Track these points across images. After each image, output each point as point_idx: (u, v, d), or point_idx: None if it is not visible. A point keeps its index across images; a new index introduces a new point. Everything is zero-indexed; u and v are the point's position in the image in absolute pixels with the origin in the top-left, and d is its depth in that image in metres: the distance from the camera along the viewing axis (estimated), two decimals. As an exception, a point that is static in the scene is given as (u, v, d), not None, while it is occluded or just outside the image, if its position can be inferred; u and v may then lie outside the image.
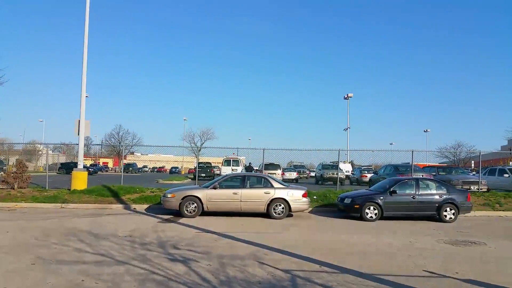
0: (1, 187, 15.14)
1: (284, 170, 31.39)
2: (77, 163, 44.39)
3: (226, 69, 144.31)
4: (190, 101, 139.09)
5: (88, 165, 50.37)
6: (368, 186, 21.35)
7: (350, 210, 12.27)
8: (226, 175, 12.96)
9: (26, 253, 6.69)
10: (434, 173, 18.95)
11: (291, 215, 12.36)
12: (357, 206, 12.07)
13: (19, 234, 8.50)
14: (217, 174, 34.90)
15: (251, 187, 12.32)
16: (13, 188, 14.89)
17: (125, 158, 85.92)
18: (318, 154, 21.45)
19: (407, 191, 12.32)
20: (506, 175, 19.09)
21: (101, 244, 7.57)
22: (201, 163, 37.35)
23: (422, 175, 17.50)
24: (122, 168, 20.25)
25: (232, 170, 29.99)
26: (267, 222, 11.26)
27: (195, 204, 11.77)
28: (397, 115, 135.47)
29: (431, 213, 12.18)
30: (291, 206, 11.88)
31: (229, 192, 11.97)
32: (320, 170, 29.63)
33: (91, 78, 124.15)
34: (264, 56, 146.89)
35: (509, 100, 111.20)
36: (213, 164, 37.15)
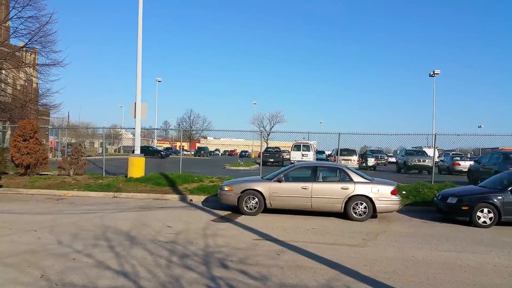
0: (58, 173, 14.67)
1: (360, 155, 28.39)
2: (149, 146, 45.52)
3: (297, 52, 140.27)
4: (260, 85, 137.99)
5: (161, 149, 51.51)
6: (467, 177, 17.80)
7: (455, 212, 9.43)
8: (293, 165, 10.80)
9: (32, 267, 5.24)
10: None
11: (375, 216, 9.88)
12: (466, 208, 9.20)
13: (45, 234, 7.23)
14: (287, 159, 32.96)
15: (325, 180, 10.05)
16: (69, 175, 14.30)
17: (198, 142, 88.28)
18: (398, 138, 18.20)
19: (537, 190, 9.13)
20: None
21: (132, 255, 5.95)
22: (269, 147, 35.62)
23: (546, 167, 13.69)
24: (181, 153, 18.71)
25: (303, 155, 27.78)
26: (345, 226, 8.95)
27: (256, 200, 9.83)
28: (485, 96, 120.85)
29: None
30: (376, 205, 9.40)
31: (296, 186, 9.84)
32: (403, 156, 26.06)
33: (164, 65, 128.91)
34: (334, 40, 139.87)
35: None
36: (282, 149, 35.19)
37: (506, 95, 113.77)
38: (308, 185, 9.74)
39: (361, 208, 9.43)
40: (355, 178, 9.77)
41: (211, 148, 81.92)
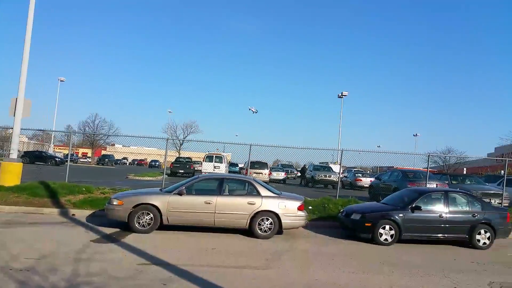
0: None
1: (271, 169, 28.44)
2: (43, 151, 40.59)
3: (214, 63, 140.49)
4: (175, 95, 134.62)
5: (56, 155, 46.31)
6: (368, 193, 18.56)
7: (359, 229, 9.26)
8: (197, 177, 9.81)
9: None
10: (447, 182, 16.08)
11: (281, 232, 9.31)
12: (369, 225, 9.07)
13: None
14: (198, 171, 31.75)
15: (231, 194, 9.24)
16: None
17: (104, 149, 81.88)
18: (307, 153, 18.35)
19: (434, 208, 9.40)
20: None
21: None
22: (180, 157, 34.02)
23: (437, 184, 14.71)
24: (69, 159, 16.13)
25: (215, 167, 26.89)
26: (250, 245, 8.18)
27: (151, 215, 8.58)
28: (386, 118, 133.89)
29: (462, 236, 9.36)
30: (283, 221, 8.81)
31: (199, 200, 8.84)
32: (311, 171, 26.68)
33: (69, 63, 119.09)
34: (254, 50, 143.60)
35: (499, 106, 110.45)
36: (194, 160, 33.89)
37: (403, 118, 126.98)
38: (213, 199, 8.82)
39: (267, 224, 8.77)
40: (263, 192, 9.11)
41: (118, 157, 76.71)
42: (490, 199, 14.48)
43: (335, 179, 24.85)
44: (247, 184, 9.37)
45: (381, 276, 6.37)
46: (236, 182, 9.73)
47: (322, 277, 6.11)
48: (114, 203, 8.77)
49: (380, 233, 8.99)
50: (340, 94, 43.74)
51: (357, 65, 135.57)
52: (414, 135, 70.47)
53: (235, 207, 8.79)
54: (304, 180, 28.16)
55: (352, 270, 6.63)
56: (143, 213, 8.57)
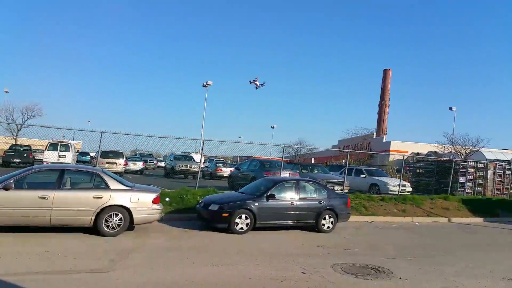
0: None
1: (127, 159, 26.58)
2: None
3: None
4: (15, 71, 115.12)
5: None
6: (227, 183, 18.81)
7: (216, 220, 9.14)
8: (31, 168, 8.21)
9: None
10: (298, 171, 17.40)
11: (132, 228, 8.51)
12: (226, 215, 9.01)
13: None
14: (39, 160, 27.58)
15: (73, 187, 8.02)
16: None
17: None
18: (168, 142, 17.59)
19: (287, 196, 9.91)
20: (363, 176, 19.01)
21: None
22: (17, 145, 28.97)
23: (290, 173, 15.74)
24: None
25: (60, 156, 23.62)
26: (92, 243, 7.21)
27: (-35, 216, 6.81)
28: (247, 109, 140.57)
29: (310, 222, 10.07)
30: (134, 216, 8.00)
31: (32, 195, 7.40)
32: (171, 161, 25.87)
33: None
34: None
35: (343, 104, 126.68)
36: (34, 148, 29.29)
37: (262, 110, 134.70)
38: (49, 193, 7.44)
39: (116, 221, 7.84)
40: (113, 184, 8.10)
41: None
42: (334, 187, 15.96)
43: (196, 169, 24.65)
44: (93, 176, 8.23)
45: (235, 267, 6.28)
46: (81, 174, 8.54)
47: (173, 274, 5.69)
48: None
49: (236, 222, 9.01)
50: (204, 83, 43.80)
51: (222, 54, 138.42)
52: (271, 127, 75.91)
53: (77, 202, 7.62)
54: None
55: (206, 263, 6.38)
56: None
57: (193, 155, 30.38)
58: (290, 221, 9.77)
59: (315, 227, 10.08)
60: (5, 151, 25.54)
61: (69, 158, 23.74)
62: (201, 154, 16.17)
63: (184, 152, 28.42)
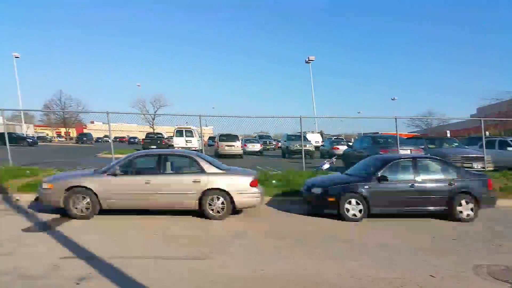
0: None
1: (246, 141, 27.50)
2: (13, 133, 38.49)
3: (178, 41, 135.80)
4: (145, 69, 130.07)
5: (27, 135, 44.31)
6: (342, 161, 17.75)
7: (322, 205, 8.41)
8: (132, 154, 8.61)
9: None
10: (423, 146, 15.31)
11: (240, 211, 8.45)
12: (333, 199, 8.25)
13: None
14: (171, 145, 30.60)
15: (174, 172, 8.24)
16: None
17: (85, 127, 79.30)
18: (284, 123, 17.22)
19: (403, 177, 8.54)
20: (510, 149, 15.53)
21: None
22: (151, 133, 32.67)
23: (411, 150, 13.98)
24: (7, 139, 13.83)
25: (187, 142, 25.68)
26: (200, 227, 7.32)
27: (88, 200, 7.61)
28: (363, 82, 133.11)
29: (440, 209, 8.40)
30: (235, 200, 7.91)
31: (136, 180, 7.84)
32: (285, 141, 25.83)
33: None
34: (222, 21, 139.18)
35: (479, 67, 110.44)
36: (166, 135, 32.59)
37: (382, 83, 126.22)
38: (151, 178, 7.80)
39: (218, 205, 7.86)
40: (208, 168, 8.08)
41: (99, 134, 74.49)
42: (472, 163, 13.65)
43: (311, 149, 24.12)
44: (189, 160, 8.32)
45: (341, 263, 5.48)
46: (177, 158, 8.63)
47: (272, 268, 5.20)
48: (45, 186, 7.77)
49: (346, 208, 8.17)
50: (307, 59, 42.59)
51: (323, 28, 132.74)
52: (392, 99, 70.49)
53: (178, 186, 7.82)
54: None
55: (308, 255, 5.79)
56: (78, 197, 7.58)
57: (309, 134, 29.88)
58: (410, 208, 8.41)
59: (449, 215, 8.42)
60: (143, 139, 28.95)
61: (195, 143, 25.61)
62: (301, 132, 15.17)
63: (299, 132, 28.08)
